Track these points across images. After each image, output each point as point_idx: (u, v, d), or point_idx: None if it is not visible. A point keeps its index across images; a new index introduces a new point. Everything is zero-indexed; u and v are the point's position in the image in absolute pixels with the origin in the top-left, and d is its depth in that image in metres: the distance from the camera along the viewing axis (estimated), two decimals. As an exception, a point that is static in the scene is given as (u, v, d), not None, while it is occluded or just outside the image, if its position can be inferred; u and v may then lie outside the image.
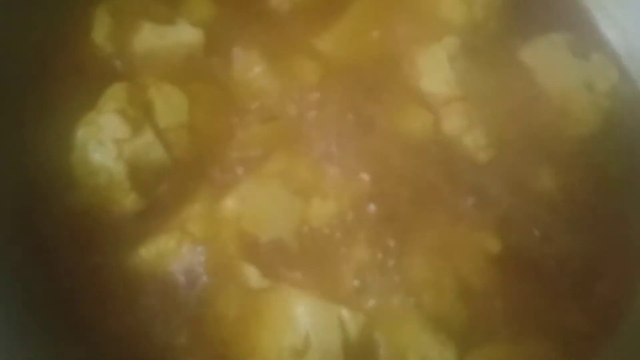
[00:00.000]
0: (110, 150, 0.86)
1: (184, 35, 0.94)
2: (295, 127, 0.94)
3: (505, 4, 1.04)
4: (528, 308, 0.90)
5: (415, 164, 0.94)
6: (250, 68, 0.96)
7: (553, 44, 1.04)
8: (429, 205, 0.92)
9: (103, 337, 0.84)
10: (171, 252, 0.86)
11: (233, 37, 0.98)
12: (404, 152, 0.94)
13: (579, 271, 0.94)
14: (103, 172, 0.86)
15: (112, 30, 0.94)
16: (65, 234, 0.88)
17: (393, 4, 1.02)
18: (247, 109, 0.95)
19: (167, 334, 0.85)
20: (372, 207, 0.91)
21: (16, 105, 0.91)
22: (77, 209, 0.88)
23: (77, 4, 0.95)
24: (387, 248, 0.89)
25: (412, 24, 1.01)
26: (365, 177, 0.92)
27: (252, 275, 0.86)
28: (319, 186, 0.91)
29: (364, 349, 0.85)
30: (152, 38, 0.94)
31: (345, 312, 0.84)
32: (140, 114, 0.88)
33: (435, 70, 0.97)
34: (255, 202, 0.89)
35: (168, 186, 0.90)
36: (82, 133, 0.88)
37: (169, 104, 0.90)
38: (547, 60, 1.03)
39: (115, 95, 0.89)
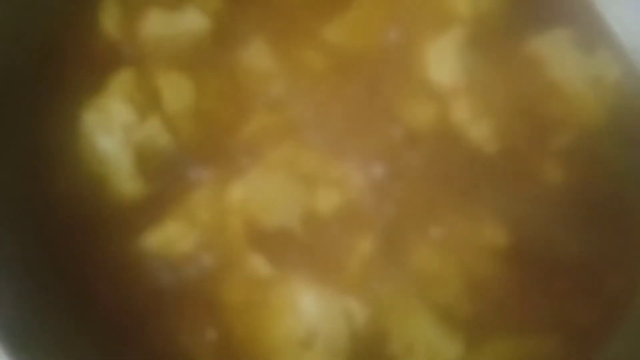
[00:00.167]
0: (117, 136, 0.86)
1: (193, 23, 0.93)
2: (302, 116, 0.93)
3: (511, -2, 1.04)
4: (535, 302, 0.90)
5: (422, 154, 0.93)
6: (258, 57, 0.95)
7: (558, 38, 1.03)
8: (435, 196, 0.91)
9: (108, 323, 0.84)
10: (177, 239, 0.85)
11: (241, 26, 0.96)
12: (411, 143, 0.93)
13: (585, 266, 0.93)
14: (110, 158, 0.86)
15: (120, 17, 0.93)
16: (70, 220, 0.87)
17: (401, -6, 1.02)
18: (254, 97, 0.94)
19: (171, 321, 0.84)
20: (378, 198, 0.90)
21: (23, 91, 0.89)
22: (83, 194, 0.87)
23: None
24: (394, 239, 0.89)
25: (420, 15, 1.00)
26: (372, 167, 0.91)
27: (258, 263, 0.85)
28: (326, 176, 0.90)
29: (371, 341, 0.85)
30: (160, 25, 0.92)
31: (352, 303, 0.84)
32: (148, 101, 0.88)
33: (443, 61, 0.96)
34: (261, 191, 0.88)
35: (175, 173, 0.89)
36: (89, 119, 0.87)
37: (177, 91, 0.89)
38: (552, 54, 1.01)
39: (122, 82, 0.88)
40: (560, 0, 1.09)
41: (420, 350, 0.84)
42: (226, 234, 0.87)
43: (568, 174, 0.97)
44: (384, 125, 0.94)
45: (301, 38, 0.97)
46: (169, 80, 0.90)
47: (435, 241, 0.89)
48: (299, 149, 0.91)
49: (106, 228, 0.87)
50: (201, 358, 0.84)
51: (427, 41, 0.98)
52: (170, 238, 0.86)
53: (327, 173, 0.90)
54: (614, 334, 0.92)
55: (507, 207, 0.92)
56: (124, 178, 0.86)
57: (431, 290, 0.87)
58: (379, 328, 0.85)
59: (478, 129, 0.95)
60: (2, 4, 0.88)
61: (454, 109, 0.95)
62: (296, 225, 0.87)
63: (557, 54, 1.02)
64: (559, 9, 1.08)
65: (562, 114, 1.00)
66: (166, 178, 0.89)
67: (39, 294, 0.81)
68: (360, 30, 0.98)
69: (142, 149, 0.87)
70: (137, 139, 0.87)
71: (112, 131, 0.86)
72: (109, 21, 0.93)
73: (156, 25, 0.93)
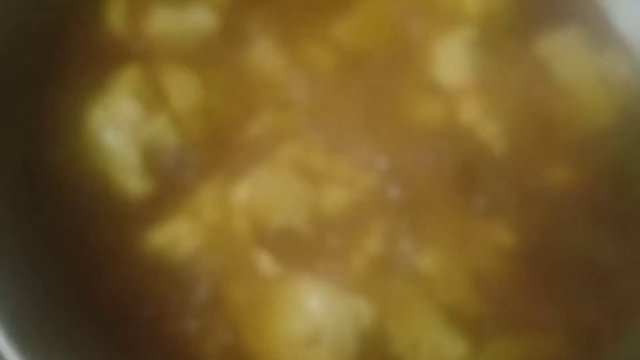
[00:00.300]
0: (123, 133, 0.85)
1: (200, 20, 0.93)
2: (309, 115, 0.92)
3: (520, -3, 1.03)
4: (540, 302, 0.89)
5: (430, 153, 0.92)
6: (265, 55, 0.94)
7: (568, 38, 1.02)
8: (442, 195, 0.90)
9: (112, 321, 0.83)
10: (183, 237, 0.85)
11: (248, 24, 0.96)
12: (418, 142, 0.92)
13: (592, 266, 0.91)
14: (116, 154, 0.86)
15: (127, 14, 0.92)
16: (76, 217, 0.86)
17: (410, -8, 1.01)
18: (261, 95, 0.93)
19: (177, 319, 0.83)
20: (385, 197, 0.89)
21: (31, 87, 0.89)
22: (89, 191, 0.87)
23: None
24: (401, 238, 0.88)
25: (428, 14, 0.99)
26: (379, 166, 0.90)
27: (264, 262, 0.85)
28: (332, 174, 0.89)
29: (377, 339, 0.84)
30: (168, 22, 0.92)
31: (358, 302, 0.83)
32: (155, 98, 0.87)
33: (451, 60, 0.95)
34: (268, 189, 0.87)
35: (181, 171, 0.88)
36: (96, 115, 0.87)
37: (183, 89, 0.89)
38: (561, 53, 1.01)
39: (129, 79, 0.88)
40: (570, 0, 1.09)
41: (425, 350, 0.84)
42: (232, 232, 0.86)
43: (576, 173, 0.96)
44: (391, 124, 0.93)
45: (308, 36, 0.97)
46: (175, 77, 0.89)
47: (442, 241, 0.88)
48: (305, 148, 0.91)
49: (111, 224, 0.86)
50: (207, 356, 0.83)
51: (435, 40, 0.98)
52: (175, 236, 0.85)
53: (333, 172, 0.90)
54: (621, 334, 0.91)
55: (514, 206, 0.91)
56: (130, 175, 0.86)
57: (437, 289, 0.86)
58: (385, 327, 0.84)
59: (486, 128, 0.94)
60: (6, 6, 0.87)
61: (462, 108, 0.94)
62: (302, 224, 0.87)
63: (565, 54, 1.01)
64: (567, 9, 1.07)
65: (570, 113, 0.99)
66: (172, 176, 0.88)
67: (42, 288, 0.81)
68: (368, 28, 0.98)
69: (148, 146, 0.86)
70: (143, 136, 0.86)
71: (119, 128, 0.86)
72: (116, 18, 0.92)
73: (163, 22, 0.93)
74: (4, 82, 0.86)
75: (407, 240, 0.88)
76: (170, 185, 0.88)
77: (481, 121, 0.93)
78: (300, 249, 0.86)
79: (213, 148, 0.90)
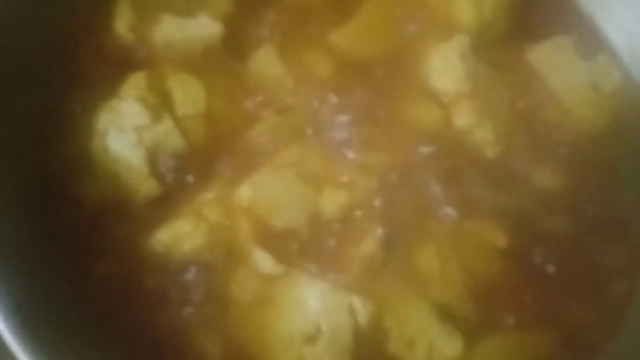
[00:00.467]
0: (130, 136, 0.86)
1: (204, 28, 0.94)
2: (309, 119, 0.94)
3: (513, 6, 1.04)
4: (533, 301, 0.90)
5: (425, 157, 0.93)
6: (267, 62, 0.96)
7: (559, 45, 1.04)
8: (438, 197, 0.91)
9: (118, 319, 0.83)
10: (187, 236, 0.85)
11: (250, 31, 0.98)
12: (415, 146, 0.94)
13: (583, 267, 0.93)
14: (123, 157, 0.86)
15: (133, 22, 0.94)
16: (83, 218, 0.87)
17: (406, 3, 1.02)
18: (262, 100, 0.95)
19: (180, 317, 0.84)
20: (382, 198, 0.90)
21: (38, 91, 0.90)
22: (96, 193, 0.87)
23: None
24: (397, 239, 0.89)
25: (424, 23, 1.01)
26: (376, 169, 0.91)
27: (265, 261, 0.86)
28: (331, 177, 0.91)
29: (374, 336, 0.85)
30: (173, 30, 0.93)
31: (355, 300, 0.84)
32: (160, 103, 0.88)
33: (446, 68, 0.96)
34: (269, 191, 0.88)
35: (185, 173, 0.89)
36: (103, 119, 0.88)
37: (188, 94, 0.90)
38: (553, 60, 1.03)
39: (136, 84, 0.89)
40: (560, 9, 1.10)
41: (421, 347, 0.84)
42: (234, 232, 0.87)
43: (568, 177, 0.97)
44: (388, 128, 0.94)
45: (309, 44, 0.98)
46: (180, 83, 0.90)
47: (437, 241, 0.89)
48: (305, 151, 0.92)
49: (118, 225, 0.87)
50: (209, 353, 0.84)
51: (431, 48, 0.99)
52: (180, 236, 0.86)
53: (332, 175, 0.91)
54: (614, 333, 0.92)
55: (507, 209, 0.93)
56: (136, 177, 0.87)
57: (432, 288, 0.87)
58: (381, 325, 0.85)
59: (479, 132, 0.95)
60: (18, 11, 0.89)
61: (457, 113, 0.96)
62: (302, 224, 0.88)
63: (556, 61, 1.03)
64: (559, 18, 1.09)
65: (561, 119, 1.00)
66: (176, 178, 0.89)
67: (49, 286, 0.81)
68: (366, 37, 1.00)
69: (154, 149, 0.87)
70: (149, 139, 0.87)
71: (125, 132, 0.87)
72: (123, 25, 0.94)
73: (169, 30, 0.94)
74: (14, 86, 0.88)
75: (403, 241, 0.89)
76: (175, 187, 0.89)
77: (474, 126, 0.95)
78: (299, 249, 0.87)
79: (216, 151, 0.91)
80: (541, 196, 0.95)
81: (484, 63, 0.99)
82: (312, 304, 0.84)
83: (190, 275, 0.86)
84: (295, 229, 0.88)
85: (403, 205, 0.90)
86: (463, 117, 0.95)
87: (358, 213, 0.89)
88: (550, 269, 0.92)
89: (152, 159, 0.87)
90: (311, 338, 0.83)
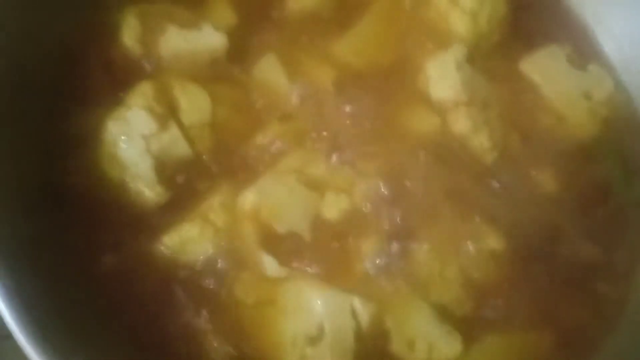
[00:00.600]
0: (137, 144, 0.87)
1: (208, 39, 0.95)
2: (311, 126, 0.95)
3: (507, 18, 1.06)
4: (530, 302, 0.91)
5: (424, 163, 0.94)
6: (270, 71, 0.97)
7: (553, 55, 1.06)
8: (437, 202, 0.93)
9: (124, 321, 0.85)
10: (193, 241, 0.87)
11: (253, 42, 0.99)
12: (414, 152, 0.95)
13: (579, 268, 0.95)
14: (130, 164, 0.87)
15: (140, 33, 0.95)
16: (92, 224, 0.88)
17: (404, 15, 1.04)
18: (265, 108, 0.96)
19: (186, 319, 0.85)
20: (382, 203, 0.91)
21: (47, 100, 0.91)
22: (104, 200, 0.88)
23: (106, 8, 0.97)
24: (397, 241, 0.90)
25: (422, 33, 1.03)
26: (376, 174, 0.93)
27: (269, 264, 0.87)
28: (333, 182, 0.92)
29: (375, 337, 0.86)
30: (178, 41, 0.95)
31: (357, 302, 0.85)
32: (166, 111, 0.89)
33: (443, 77, 0.98)
34: (272, 196, 0.89)
35: (191, 179, 0.90)
36: (111, 127, 0.89)
37: (193, 103, 0.91)
38: (547, 69, 1.05)
39: (143, 93, 0.90)
40: (553, 20, 1.12)
41: (421, 347, 0.85)
42: (239, 236, 0.88)
43: (563, 182, 0.99)
44: (388, 135, 0.96)
45: (311, 54, 1.00)
46: (186, 92, 0.91)
47: (436, 244, 0.90)
48: (307, 157, 0.93)
49: (125, 230, 0.88)
50: (215, 354, 0.85)
51: (429, 58, 1.01)
52: (186, 240, 0.87)
53: (334, 180, 0.92)
54: (608, 334, 0.93)
55: (503, 212, 0.94)
56: (144, 183, 0.88)
57: (432, 290, 0.88)
58: (382, 325, 0.86)
59: (477, 139, 0.97)
60: (28, 24, 0.90)
61: (454, 121, 0.97)
62: (305, 228, 0.89)
63: (551, 69, 1.05)
64: (552, 29, 1.11)
65: (555, 126, 1.02)
66: (183, 184, 0.90)
67: (61, 287, 0.82)
68: (366, 47, 1.01)
69: (160, 156, 0.88)
70: (156, 147, 0.88)
71: (133, 139, 0.88)
72: (130, 37, 0.95)
73: (174, 41, 0.95)
74: (22, 96, 0.89)
75: (404, 244, 0.90)
76: (182, 193, 0.90)
77: (471, 132, 0.96)
78: (303, 251, 0.88)
79: (221, 158, 0.92)
80: (537, 200, 0.97)
81: (479, 72, 1.00)
82: (315, 305, 0.85)
83: (196, 278, 0.87)
84: (299, 232, 0.89)
85: (403, 209, 0.92)
86: (460, 124, 0.97)
87: (359, 217, 0.91)
88: (548, 270, 0.93)
89: (159, 165, 0.88)
90: (314, 339, 0.84)
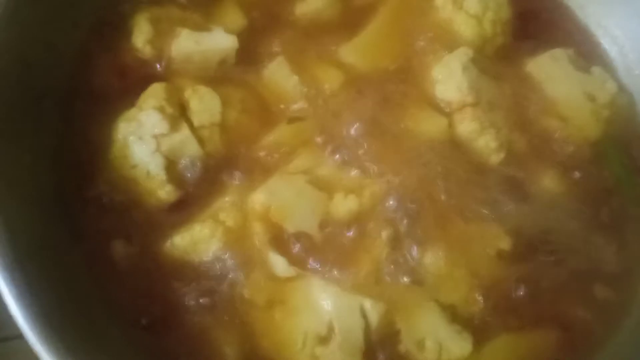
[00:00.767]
0: (149, 144, 0.87)
1: (219, 41, 0.95)
2: (319, 128, 0.95)
3: (511, 21, 1.06)
4: (538, 302, 0.91)
5: (431, 164, 0.94)
6: (279, 74, 0.97)
7: (556, 57, 1.06)
8: (444, 202, 0.92)
9: (136, 321, 0.84)
10: (204, 240, 0.86)
11: (262, 45, 0.99)
12: (421, 153, 0.94)
13: (585, 268, 0.94)
14: (142, 164, 0.87)
15: (151, 36, 0.95)
16: (103, 223, 0.88)
17: (411, 19, 1.04)
18: (274, 110, 0.96)
19: (197, 318, 0.85)
20: (391, 203, 0.91)
21: (60, 101, 0.92)
22: (118, 198, 0.89)
23: (118, 12, 0.98)
24: (405, 242, 0.89)
25: (428, 37, 1.03)
26: (384, 175, 0.92)
27: (279, 264, 0.86)
28: (342, 183, 0.91)
29: (384, 337, 0.85)
30: (189, 43, 0.95)
31: (366, 302, 0.85)
32: (177, 112, 0.89)
33: (449, 79, 0.98)
34: (282, 196, 0.89)
35: (201, 179, 0.90)
36: (123, 128, 0.89)
37: (204, 104, 0.91)
38: (550, 72, 1.04)
39: (154, 94, 0.90)
40: (556, 22, 1.13)
41: (430, 347, 0.85)
42: (249, 236, 0.88)
43: (567, 182, 0.99)
44: (395, 136, 0.95)
45: (319, 57, 1.00)
46: (196, 94, 0.91)
47: (444, 244, 0.90)
48: (316, 158, 0.93)
49: (137, 229, 0.88)
50: (226, 353, 0.84)
51: (435, 61, 1.01)
52: (196, 240, 0.86)
53: (342, 180, 0.92)
54: (613, 334, 0.93)
55: (510, 213, 0.94)
56: (154, 183, 0.88)
57: (440, 290, 0.88)
58: (392, 325, 0.86)
59: (483, 140, 0.96)
60: (40, 29, 0.90)
61: (460, 122, 0.97)
62: (314, 228, 0.88)
63: (555, 72, 1.04)
64: (555, 31, 1.11)
65: (560, 127, 1.01)
66: (194, 184, 0.90)
67: (72, 289, 0.82)
68: (374, 50, 1.01)
69: (171, 156, 0.88)
70: (167, 147, 0.88)
71: (145, 140, 0.87)
72: (141, 40, 0.95)
73: (185, 44, 0.95)
74: (35, 98, 0.89)
75: (412, 244, 0.89)
76: (191, 193, 0.90)
77: (477, 134, 0.96)
78: (312, 251, 0.87)
79: (231, 159, 0.92)
80: (542, 200, 0.96)
81: (485, 74, 1.00)
82: (325, 305, 0.84)
83: (207, 278, 0.86)
84: (308, 232, 0.88)
85: (411, 209, 0.91)
86: (466, 126, 0.96)
87: (368, 217, 0.90)
88: (554, 270, 0.93)
89: (170, 165, 0.88)
90: (324, 339, 0.83)
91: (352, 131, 0.95)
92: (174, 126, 0.88)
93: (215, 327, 0.85)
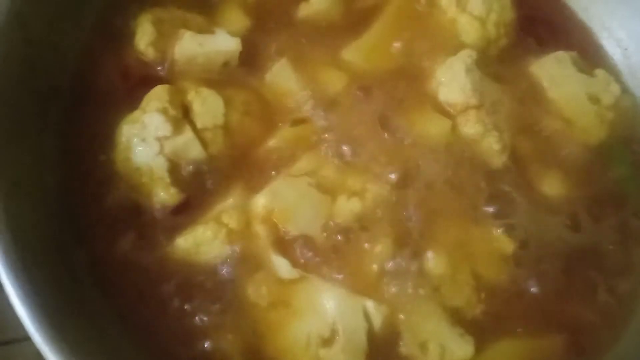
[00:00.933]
0: (152, 146, 0.86)
1: (222, 43, 0.95)
2: (322, 130, 0.94)
3: (515, 23, 1.06)
4: (541, 305, 0.90)
5: (435, 166, 0.94)
6: (282, 76, 0.96)
7: (560, 60, 1.05)
8: (448, 205, 0.92)
9: (138, 322, 0.84)
10: (207, 242, 0.86)
11: (265, 47, 0.99)
12: (424, 155, 0.94)
13: (588, 270, 0.94)
14: (145, 166, 0.86)
15: (154, 38, 0.94)
16: (107, 224, 0.87)
17: (414, 21, 1.03)
18: (278, 112, 0.95)
19: (200, 320, 0.84)
20: (394, 205, 0.90)
21: (63, 102, 0.91)
22: (119, 201, 0.88)
23: (121, 14, 0.97)
24: (408, 244, 0.89)
25: (432, 39, 1.02)
26: (388, 177, 0.92)
27: (282, 266, 0.85)
28: (345, 185, 0.91)
29: (387, 339, 0.85)
30: (192, 46, 0.94)
31: (369, 304, 0.84)
32: (180, 114, 0.89)
33: (453, 81, 0.97)
34: (285, 199, 0.88)
35: (205, 182, 0.89)
36: (127, 130, 0.88)
37: (207, 106, 0.90)
38: (554, 74, 1.04)
39: (157, 96, 0.89)
40: (560, 24, 1.12)
41: (433, 350, 0.84)
42: (252, 238, 0.87)
43: (570, 184, 0.98)
44: (399, 139, 0.95)
45: (321, 59, 0.99)
46: (200, 96, 0.91)
47: (447, 247, 0.89)
48: (319, 160, 0.92)
49: (139, 231, 0.87)
50: (229, 355, 0.83)
51: (438, 62, 1.00)
52: (200, 242, 0.86)
53: (346, 182, 0.91)
54: (618, 336, 0.92)
55: (514, 216, 0.93)
56: (158, 185, 0.87)
57: (443, 293, 0.87)
58: (394, 328, 0.85)
59: (487, 142, 0.96)
60: (43, 32, 0.90)
61: (464, 124, 0.96)
62: (317, 231, 0.88)
63: (558, 74, 1.03)
64: (559, 33, 1.10)
65: (563, 129, 1.01)
66: (197, 186, 0.89)
67: (76, 289, 0.82)
68: (377, 52, 1.00)
69: (175, 158, 0.88)
70: (170, 149, 0.87)
71: (148, 142, 0.87)
72: (144, 42, 0.94)
73: (188, 46, 0.94)
74: (39, 100, 0.89)
75: (415, 246, 0.89)
76: (195, 195, 0.89)
77: (481, 136, 0.95)
78: (315, 253, 0.87)
79: (234, 161, 0.91)
80: (546, 203, 0.96)
81: (488, 76, 1.00)
82: (328, 307, 0.84)
83: (210, 280, 0.86)
84: (311, 235, 0.88)
85: (414, 212, 0.91)
86: (470, 128, 0.96)
87: (371, 220, 0.89)
88: (558, 274, 0.92)
89: (174, 167, 0.87)
90: (327, 341, 0.83)
91: (356, 134, 0.95)
92: (177, 128, 0.88)
93: (219, 329, 0.84)
